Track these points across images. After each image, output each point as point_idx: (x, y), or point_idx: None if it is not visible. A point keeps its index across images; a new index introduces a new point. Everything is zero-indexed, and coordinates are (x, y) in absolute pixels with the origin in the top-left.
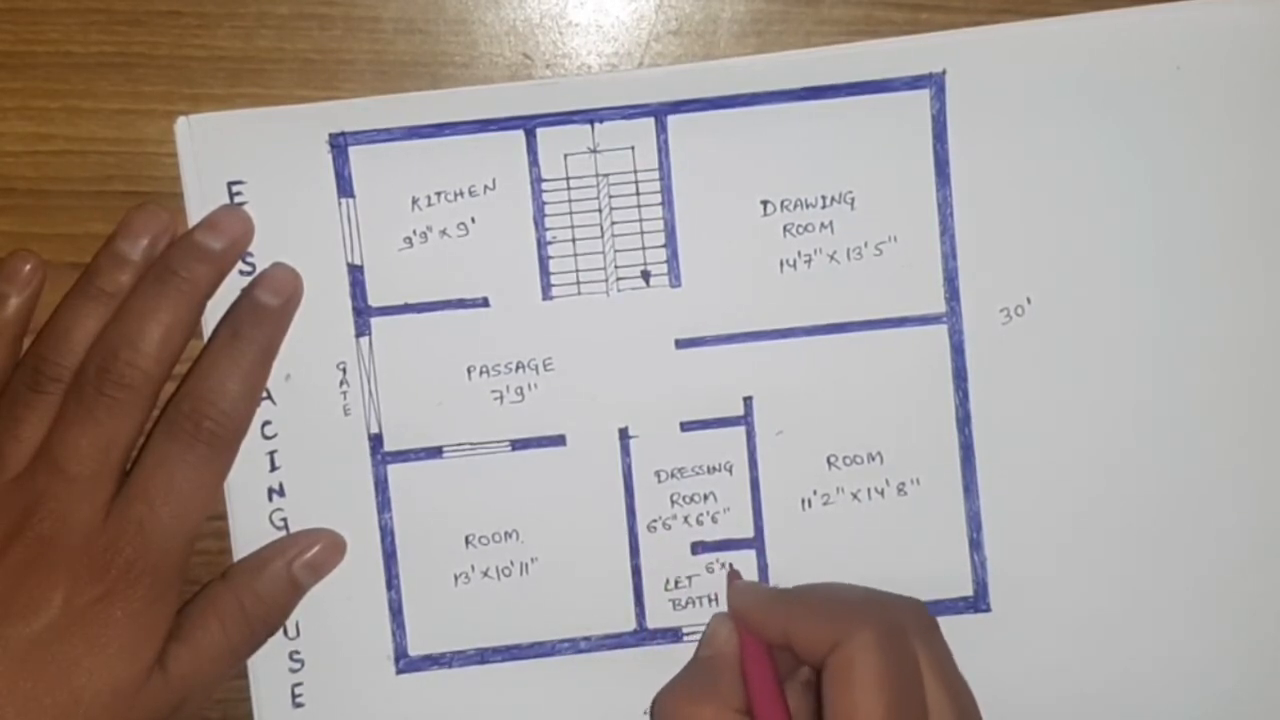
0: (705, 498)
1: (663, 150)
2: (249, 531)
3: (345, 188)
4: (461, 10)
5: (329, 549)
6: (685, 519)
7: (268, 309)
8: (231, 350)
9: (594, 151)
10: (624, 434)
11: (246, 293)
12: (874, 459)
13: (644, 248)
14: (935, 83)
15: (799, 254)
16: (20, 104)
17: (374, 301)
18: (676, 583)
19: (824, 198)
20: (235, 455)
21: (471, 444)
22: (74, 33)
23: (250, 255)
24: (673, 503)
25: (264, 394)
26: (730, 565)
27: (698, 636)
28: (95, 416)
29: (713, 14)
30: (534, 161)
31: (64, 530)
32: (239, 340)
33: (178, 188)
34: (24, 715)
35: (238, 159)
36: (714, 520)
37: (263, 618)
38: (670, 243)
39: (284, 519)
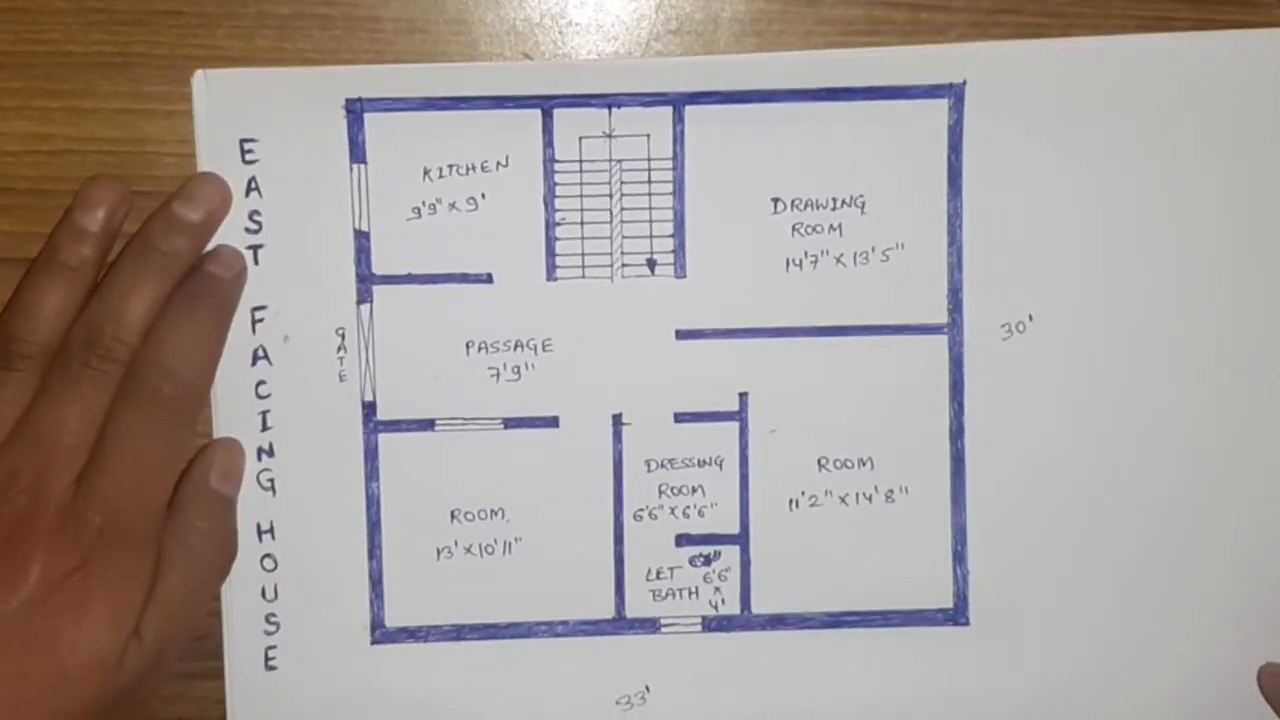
0: (693, 490)
1: (678, 140)
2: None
3: (358, 153)
4: (461, 10)
5: (229, 452)
6: (672, 510)
7: (219, 280)
8: (189, 317)
9: (609, 136)
10: (617, 420)
11: (198, 266)
12: (864, 464)
13: (651, 236)
14: (955, 93)
15: (806, 254)
16: (20, 104)
17: (378, 269)
18: (658, 573)
19: (835, 200)
20: (196, 421)
21: (464, 419)
22: (74, 33)
23: (258, 214)
24: (660, 493)
25: (261, 354)
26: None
27: (675, 628)
28: (81, 390)
29: (713, 13)
30: (549, 142)
31: (38, 504)
32: (195, 308)
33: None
34: (13, 693)
35: (252, 117)
36: (700, 514)
37: (213, 546)
38: (678, 233)
39: (271, 479)
